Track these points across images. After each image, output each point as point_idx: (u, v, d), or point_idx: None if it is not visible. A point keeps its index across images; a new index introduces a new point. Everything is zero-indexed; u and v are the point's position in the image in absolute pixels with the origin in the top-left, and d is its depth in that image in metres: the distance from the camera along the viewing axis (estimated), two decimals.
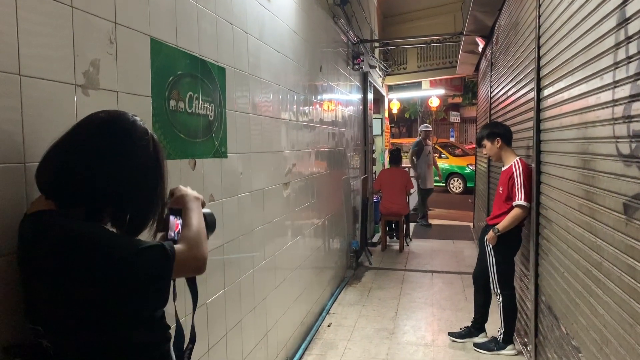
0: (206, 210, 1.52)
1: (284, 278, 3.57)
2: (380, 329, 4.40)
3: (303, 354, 3.88)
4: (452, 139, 20.76)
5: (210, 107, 2.37)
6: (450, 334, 4.16)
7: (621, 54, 1.88)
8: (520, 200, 3.55)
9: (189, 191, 1.48)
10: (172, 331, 1.43)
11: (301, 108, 4.02)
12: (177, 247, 1.27)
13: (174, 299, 1.49)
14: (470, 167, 13.84)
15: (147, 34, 1.89)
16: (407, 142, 17.60)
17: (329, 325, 4.51)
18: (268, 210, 3.20)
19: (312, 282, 4.41)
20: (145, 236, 1.34)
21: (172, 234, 1.40)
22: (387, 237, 7.95)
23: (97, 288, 1.15)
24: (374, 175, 8.69)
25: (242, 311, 2.79)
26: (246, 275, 2.84)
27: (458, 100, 18.44)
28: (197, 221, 1.39)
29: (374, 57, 8.52)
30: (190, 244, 1.32)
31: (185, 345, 1.49)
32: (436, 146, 16.04)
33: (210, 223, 1.52)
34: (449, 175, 15.64)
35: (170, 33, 2.06)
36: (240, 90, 2.76)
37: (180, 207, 1.43)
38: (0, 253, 1.24)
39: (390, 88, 11.65)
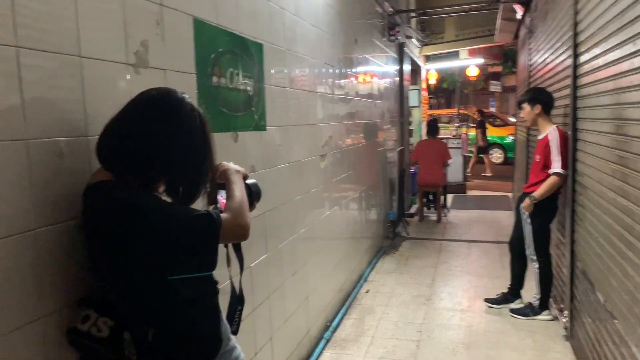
0: (251, 180, 1.66)
1: (322, 246, 3.72)
2: (417, 296, 4.52)
3: (342, 318, 4.04)
4: (492, 109, 20.32)
5: (249, 82, 2.49)
6: (487, 300, 4.24)
7: None
8: (556, 167, 3.56)
9: (230, 165, 1.60)
10: (226, 295, 1.59)
11: (337, 81, 4.10)
12: (222, 215, 1.40)
13: (228, 265, 1.64)
14: (511, 137, 13.59)
15: (190, 14, 2.01)
16: (446, 113, 17.38)
17: (366, 292, 4.66)
18: (306, 180, 3.33)
19: (349, 251, 4.54)
20: (199, 206, 1.48)
21: (219, 206, 1.54)
22: (425, 208, 8.00)
23: (151, 248, 1.30)
24: (410, 147, 8.70)
25: (283, 275, 2.95)
26: (287, 242, 2.99)
27: (498, 69, 17.98)
28: (239, 192, 1.51)
29: (410, 27, 8.43)
30: (234, 213, 1.43)
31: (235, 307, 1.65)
32: (475, 116, 15.80)
33: (255, 192, 1.65)
34: (489, 145, 15.39)
35: (211, 12, 2.17)
36: (278, 65, 2.86)
37: (223, 181, 1.56)
38: (70, 217, 1.40)
39: (428, 58, 11.50)
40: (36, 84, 1.30)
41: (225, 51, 2.28)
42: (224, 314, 1.59)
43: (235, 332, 1.62)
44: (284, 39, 2.96)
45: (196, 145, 1.43)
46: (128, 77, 1.65)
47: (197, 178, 1.44)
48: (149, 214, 1.30)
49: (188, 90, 1.96)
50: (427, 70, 11.38)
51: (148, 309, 1.37)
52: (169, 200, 1.43)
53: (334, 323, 3.89)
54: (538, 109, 3.79)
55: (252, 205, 1.64)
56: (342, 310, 4.14)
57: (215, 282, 1.51)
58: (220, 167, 1.60)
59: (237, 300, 1.66)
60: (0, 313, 1.20)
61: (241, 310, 1.67)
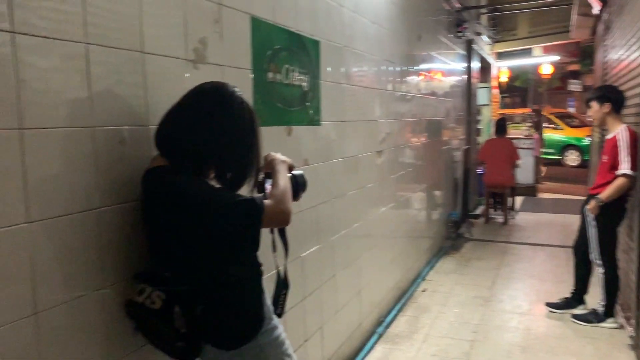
0: (298, 171, 1.75)
1: (377, 242, 3.75)
2: (475, 297, 4.45)
3: (397, 314, 4.06)
4: (570, 109, 19.36)
5: (305, 78, 2.58)
6: (548, 304, 4.11)
7: None
8: (624, 169, 3.39)
9: (277, 156, 1.70)
10: (272, 279, 1.68)
11: (397, 78, 4.11)
12: (265, 201, 1.48)
13: (274, 251, 1.74)
14: (589, 139, 12.94)
15: (247, 13, 2.12)
16: (520, 113, 16.77)
17: (423, 291, 4.64)
18: (361, 176, 3.38)
19: (406, 249, 4.54)
20: (246, 194, 1.58)
21: (266, 193, 1.64)
22: (491, 209, 7.80)
23: (201, 230, 1.42)
24: (477, 146, 8.50)
25: (336, 267, 3.02)
26: (339, 235, 3.06)
27: (577, 67, 17.12)
28: (282, 181, 1.60)
29: (480, 24, 8.24)
30: (276, 199, 1.52)
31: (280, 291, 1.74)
32: (550, 116, 15.15)
33: (301, 183, 1.74)
34: (564, 147, 14.74)
35: (268, 10, 2.27)
36: (334, 61, 2.93)
37: (270, 171, 1.66)
38: (130, 199, 1.54)
39: (499, 55, 11.17)
40: (103, 77, 1.44)
41: (282, 48, 2.38)
42: (268, 296, 1.68)
43: (280, 315, 1.71)
44: (342, 36, 3.02)
45: (244, 136, 1.53)
46: (187, 72, 1.78)
47: (244, 166, 1.54)
48: (198, 197, 1.41)
49: (244, 85, 2.08)
50: (499, 68, 11.05)
51: (196, 285, 1.48)
52: (217, 186, 1.54)
53: (388, 319, 3.91)
54: (607, 107, 3.63)
55: (297, 195, 1.72)
56: (397, 307, 4.15)
57: (259, 264, 1.61)
58: (268, 157, 1.70)
59: (282, 284, 1.76)
60: (66, 281, 1.35)
61: (285, 294, 1.76)
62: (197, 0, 1.83)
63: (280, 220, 1.54)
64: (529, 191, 9.61)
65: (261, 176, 1.67)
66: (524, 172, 9.46)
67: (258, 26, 2.19)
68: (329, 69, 2.85)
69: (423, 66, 4.93)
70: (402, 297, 4.37)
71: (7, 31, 1.19)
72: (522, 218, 7.78)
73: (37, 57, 1.26)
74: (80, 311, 1.39)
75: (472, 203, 7.95)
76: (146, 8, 1.59)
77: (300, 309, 2.59)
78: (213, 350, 1.54)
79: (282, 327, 1.68)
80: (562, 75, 17.97)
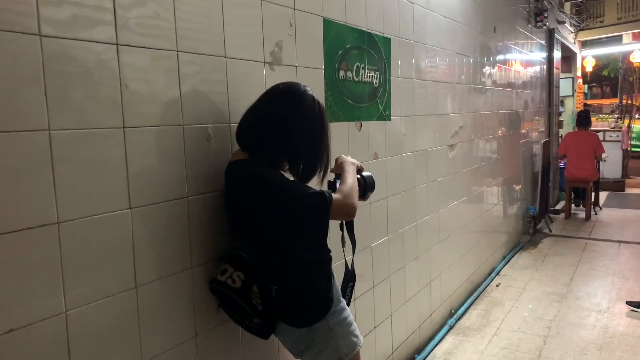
0: (366, 173, 1.88)
1: (449, 235, 3.78)
2: (551, 293, 4.35)
3: (468, 307, 4.07)
4: None
5: (375, 75, 2.67)
6: (629, 303, 3.95)
7: None
8: None
9: (347, 158, 1.84)
10: (340, 272, 1.82)
11: (470, 71, 4.10)
12: (334, 195, 1.62)
13: (343, 246, 1.88)
14: None
15: (320, 15, 2.25)
16: (609, 103, 15.84)
17: (497, 285, 4.59)
18: (432, 169, 3.42)
19: (480, 243, 4.51)
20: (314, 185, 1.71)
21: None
22: (572, 204, 7.49)
23: (276, 217, 1.57)
24: (559, 139, 8.18)
25: (405, 258, 3.10)
26: (409, 227, 3.13)
27: None
28: (350, 179, 1.73)
29: (562, 11, 7.90)
30: (344, 194, 1.65)
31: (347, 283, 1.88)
32: None
33: (369, 184, 1.87)
34: None
35: (339, 12, 2.39)
36: (405, 57, 3.00)
37: (339, 172, 1.79)
38: (214, 189, 1.72)
39: (584, 44, 10.60)
40: (191, 80, 1.62)
41: (353, 47, 2.49)
42: (338, 282, 1.81)
43: (347, 304, 1.83)
44: (413, 32, 3.08)
45: (314, 131, 1.66)
46: (264, 73, 1.94)
47: (315, 158, 1.67)
48: (274, 187, 1.57)
49: (316, 84, 2.21)
50: (584, 57, 10.51)
51: (272, 268, 1.64)
52: (290, 177, 1.68)
53: (459, 311, 3.93)
54: None
55: (365, 195, 1.86)
56: (469, 301, 4.15)
57: (329, 250, 1.74)
58: (339, 159, 1.84)
59: (350, 277, 1.89)
60: (160, 260, 1.54)
61: (352, 286, 1.90)
62: (273, 6, 1.97)
63: (346, 213, 1.67)
64: (616, 186, 9.13)
65: (332, 177, 1.81)
66: (611, 166, 9.00)
67: (330, 27, 2.31)
68: (399, 64, 2.92)
69: (499, 58, 4.85)
70: (475, 291, 4.36)
71: (112, 44, 1.38)
72: (607, 214, 7.42)
73: (136, 65, 1.45)
74: (172, 287, 1.59)
75: (553, 198, 7.68)
76: (228, 18, 1.75)
77: (369, 297, 2.71)
78: (286, 328, 1.70)
79: (349, 310, 1.80)
80: None
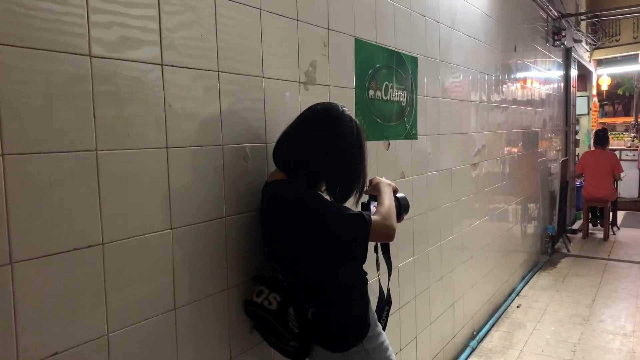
0: (401, 194, 1.86)
1: (471, 255, 3.74)
2: (573, 315, 4.27)
3: (490, 329, 4.00)
4: None
5: (402, 94, 2.67)
6: None
7: None
8: None
9: (382, 180, 1.81)
10: (375, 295, 1.79)
11: (492, 89, 4.08)
12: (373, 217, 1.59)
13: (377, 269, 1.86)
14: None
15: (352, 35, 2.25)
16: (622, 122, 15.75)
17: (518, 306, 4.53)
18: (455, 188, 3.40)
19: (500, 263, 4.46)
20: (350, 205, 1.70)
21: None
22: (590, 224, 7.40)
23: (316, 238, 1.54)
24: (576, 157, 8.12)
25: (430, 279, 3.06)
26: (434, 247, 3.10)
27: None
28: (388, 201, 1.70)
29: (579, 30, 7.90)
30: (382, 215, 1.62)
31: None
32: None
33: (404, 205, 1.85)
34: None
35: (370, 32, 2.39)
36: (431, 76, 3.00)
37: (376, 194, 1.76)
38: (251, 209, 1.71)
39: (600, 63, 10.57)
40: (230, 101, 1.62)
41: (382, 66, 2.49)
42: (373, 305, 1.78)
43: (383, 329, 1.80)
44: (439, 51, 3.08)
45: (352, 152, 1.65)
46: (299, 93, 1.94)
47: (352, 179, 1.66)
48: (314, 208, 1.55)
49: (347, 102, 2.20)
50: (599, 76, 10.47)
51: (309, 289, 1.62)
52: (328, 198, 1.67)
53: (481, 333, 3.87)
54: None
55: (400, 216, 1.82)
56: (491, 322, 4.09)
57: (365, 273, 1.71)
58: (374, 180, 1.82)
59: (386, 301, 1.85)
60: (198, 282, 1.53)
61: (388, 310, 1.87)
62: (308, 27, 1.98)
63: (385, 235, 1.63)
64: (633, 205, 9.02)
65: (366, 198, 1.79)
66: (628, 186, 8.91)
67: (361, 47, 2.31)
68: (425, 83, 2.92)
69: (519, 76, 4.84)
70: (496, 312, 4.29)
71: (157, 64, 1.39)
72: (625, 234, 7.32)
73: (179, 85, 1.45)
74: (209, 309, 1.57)
75: (570, 217, 7.60)
76: (266, 39, 1.76)
77: (396, 319, 2.67)
78: (322, 352, 1.66)
79: (385, 335, 1.77)
80: None
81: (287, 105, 1.88)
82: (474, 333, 3.80)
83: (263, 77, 1.75)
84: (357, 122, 1.69)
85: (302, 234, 1.56)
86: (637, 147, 9.93)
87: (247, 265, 1.71)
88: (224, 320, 1.63)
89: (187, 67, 1.47)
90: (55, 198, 1.16)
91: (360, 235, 1.55)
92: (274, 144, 1.69)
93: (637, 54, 10.40)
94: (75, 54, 1.19)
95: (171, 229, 1.43)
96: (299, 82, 1.93)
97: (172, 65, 1.42)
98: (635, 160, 9.36)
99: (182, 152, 1.46)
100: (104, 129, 1.25)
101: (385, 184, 1.79)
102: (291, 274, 1.64)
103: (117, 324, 1.29)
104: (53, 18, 1.15)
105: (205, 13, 1.53)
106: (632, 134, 11.52)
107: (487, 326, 4.01)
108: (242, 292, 1.68)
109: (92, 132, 1.23)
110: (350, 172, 1.66)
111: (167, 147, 1.41)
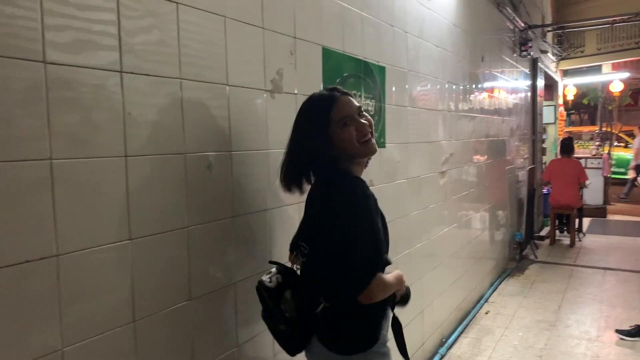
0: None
1: (440, 262, 3.76)
2: (540, 320, 4.34)
3: (459, 336, 4.03)
4: None
5: (371, 103, 2.68)
6: (618, 331, 3.95)
7: None
8: None
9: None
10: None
11: (460, 98, 4.14)
12: (381, 276, 1.51)
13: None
14: None
15: (319, 44, 2.25)
16: (587, 131, 16.16)
17: (486, 313, 4.58)
18: (424, 196, 3.42)
19: (469, 270, 4.51)
20: None
21: None
22: (557, 231, 7.56)
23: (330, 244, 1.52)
24: (543, 165, 8.30)
25: None
26: (403, 254, 3.11)
27: None
28: (393, 280, 1.61)
29: (545, 41, 8.09)
30: (384, 284, 1.53)
31: None
32: (621, 134, 14.54)
33: (408, 291, 1.78)
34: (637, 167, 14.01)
35: (338, 41, 2.40)
36: (399, 85, 3.02)
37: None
38: (216, 218, 1.68)
39: (566, 73, 10.86)
40: (193, 109, 1.59)
41: (350, 75, 2.49)
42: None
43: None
44: (407, 61, 3.11)
45: (312, 127, 1.62)
46: (265, 101, 1.92)
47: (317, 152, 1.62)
48: (351, 220, 1.51)
49: None
50: (565, 86, 10.75)
51: (326, 285, 1.57)
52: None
53: (450, 340, 3.89)
54: None
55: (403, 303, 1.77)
56: (459, 329, 4.12)
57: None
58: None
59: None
60: (158, 294, 1.49)
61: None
62: (275, 35, 1.97)
63: (365, 296, 1.50)
64: (598, 212, 9.25)
65: None
66: (593, 193, 9.12)
67: (328, 56, 2.31)
68: (393, 92, 2.94)
69: (486, 86, 4.92)
70: (465, 319, 4.33)
71: (117, 71, 1.36)
72: (590, 240, 7.50)
73: (140, 93, 1.42)
74: (170, 322, 1.53)
75: (538, 224, 7.75)
76: (231, 47, 1.74)
77: None
78: (321, 350, 1.59)
79: (393, 358, 1.68)
80: (634, 91, 17.18)
81: (253, 113, 1.86)
82: (443, 340, 3.83)
83: (228, 85, 1.74)
84: (317, 94, 1.68)
85: (327, 233, 1.53)
86: (602, 155, 10.19)
87: (212, 276, 1.68)
88: (187, 334, 1.60)
89: (148, 75, 1.44)
90: (5, 208, 1.12)
91: (363, 272, 1.49)
92: (242, 152, 1.68)
93: (601, 65, 10.72)
94: (28, 59, 1.16)
95: (130, 239, 1.39)
96: (265, 90, 1.92)
97: (132, 72, 1.39)
98: (600, 168, 9.61)
99: (142, 161, 1.42)
100: (59, 137, 1.22)
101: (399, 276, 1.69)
102: (311, 260, 1.60)
103: (72, 339, 1.25)
104: (5, 22, 1.11)
105: (167, 19, 1.51)
106: (597, 143, 11.83)
107: (456, 333, 4.04)
108: (206, 303, 1.65)
109: (46, 140, 1.19)
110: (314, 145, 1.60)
111: (126, 156, 1.38)
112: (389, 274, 1.60)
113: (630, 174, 11.15)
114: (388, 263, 1.63)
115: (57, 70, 1.21)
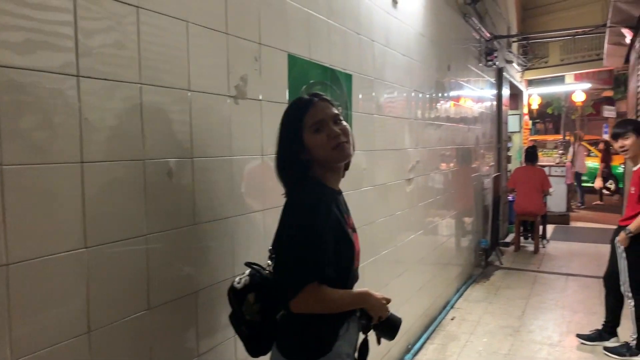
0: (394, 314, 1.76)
1: (406, 269, 3.79)
2: (504, 326, 4.41)
3: (424, 342, 4.06)
4: (605, 136, 19.02)
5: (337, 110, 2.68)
6: (579, 336, 4.05)
7: None
8: None
9: (375, 294, 1.70)
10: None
11: (427, 107, 4.19)
12: (318, 286, 1.48)
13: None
14: (623, 167, 12.67)
15: (285, 51, 2.25)
16: (553, 139, 16.58)
17: (452, 319, 4.63)
18: (391, 203, 3.44)
19: (435, 276, 4.55)
20: None
21: None
22: (522, 237, 7.72)
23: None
24: (508, 173, 8.47)
25: None
26: (368, 261, 3.11)
27: (611, 93, 16.88)
28: (348, 298, 1.59)
29: (510, 51, 8.29)
30: (315, 297, 1.48)
31: None
32: (584, 144, 14.94)
33: (395, 322, 1.75)
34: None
35: (304, 48, 2.40)
36: (366, 93, 3.04)
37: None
38: (177, 226, 1.65)
39: (530, 83, 11.15)
40: (154, 114, 1.57)
41: (316, 82, 2.50)
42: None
43: None
44: (373, 69, 3.13)
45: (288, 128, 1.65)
46: (228, 107, 1.90)
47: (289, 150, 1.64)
48: (304, 223, 1.52)
49: (280, 117, 2.18)
50: (530, 95, 11.03)
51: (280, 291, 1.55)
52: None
53: (416, 347, 3.92)
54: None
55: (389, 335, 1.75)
56: (425, 335, 4.15)
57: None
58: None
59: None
60: (116, 303, 1.46)
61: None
62: (239, 41, 1.95)
63: (295, 304, 1.49)
64: (561, 219, 9.48)
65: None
66: (556, 200, 9.35)
67: (294, 63, 2.31)
68: (360, 100, 2.95)
69: (452, 94, 5.00)
70: (431, 325, 4.37)
71: (73, 75, 1.32)
72: (554, 247, 7.67)
73: (97, 97, 1.39)
74: (128, 331, 1.50)
75: (503, 231, 7.89)
76: (193, 51, 1.72)
77: None
78: (276, 355, 1.59)
79: None
80: (596, 101, 17.73)
81: (216, 119, 1.84)
82: (409, 347, 3.85)
83: (190, 90, 1.71)
84: (298, 98, 1.70)
85: (281, 236, 1.57)
86: (565, 163, 10.47)
87: (172, 285, 1.65)
88: (145, 344, 1.56)
89: (106, 79, 1.41)
90: None
91: (291, 282, 1.50)
92: (204, 158, 1.66)
93: (564, 75, 11.03)
94: None
95: (86, 247, 1.35)
96: (228, 95, 1.90)
97: (89, 77, 1.36)
98: (564, 176, 9.87)
99: (98, 167, 1.39)
100: (11, 142, 1.18)
101: (376, 297, 1.67)
102: (275, 261, 1.62)
103: (22, 351, 1.21)
104: None
105: (127, 21, 1.48)
106: (560, 151, 12.16)
107: (422, 339, 4.07)
108: (166, 313, 1.62)
109: None
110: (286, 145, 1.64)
111: (82, 162, 1.34)
112: (344, 290, 1.58)
113: (597, 183, 11.37)
114: (348, 277, 1.62)
115: (7, 73, 1.17)
